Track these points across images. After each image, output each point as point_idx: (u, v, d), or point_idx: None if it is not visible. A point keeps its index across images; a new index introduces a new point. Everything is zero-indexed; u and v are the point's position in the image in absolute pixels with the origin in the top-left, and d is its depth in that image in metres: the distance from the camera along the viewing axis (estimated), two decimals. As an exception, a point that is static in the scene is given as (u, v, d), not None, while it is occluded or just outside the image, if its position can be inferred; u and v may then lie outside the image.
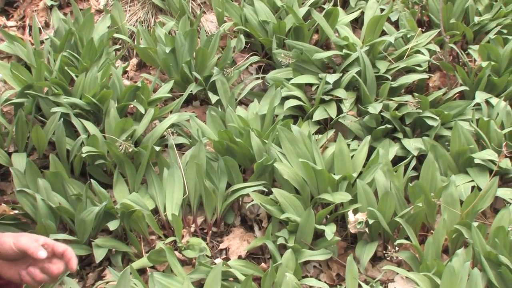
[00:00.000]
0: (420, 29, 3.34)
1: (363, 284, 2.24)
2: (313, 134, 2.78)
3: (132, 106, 2.89)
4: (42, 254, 1.71)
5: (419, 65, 3.12)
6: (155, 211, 2.58)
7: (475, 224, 2.36)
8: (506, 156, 2.67)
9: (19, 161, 2.58)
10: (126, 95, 2.85)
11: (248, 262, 2.41)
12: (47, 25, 3.42)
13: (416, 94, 3.01)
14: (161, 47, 3.13)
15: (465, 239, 2.40)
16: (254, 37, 3.32)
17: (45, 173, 2.55)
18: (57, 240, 2.42)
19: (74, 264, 1.73)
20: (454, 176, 2.57)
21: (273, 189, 2.51)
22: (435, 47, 3.25)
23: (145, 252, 2.48)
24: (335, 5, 3.49)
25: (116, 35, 3.33)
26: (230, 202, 2.59)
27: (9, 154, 2.65)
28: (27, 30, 3.40)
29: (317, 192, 2.55)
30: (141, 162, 2.62)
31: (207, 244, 2.51)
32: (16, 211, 2.50)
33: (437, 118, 2.85)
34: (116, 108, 2.76)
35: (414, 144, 2.79)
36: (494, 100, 2.97)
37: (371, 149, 2.74)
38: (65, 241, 2.43)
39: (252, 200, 2.55)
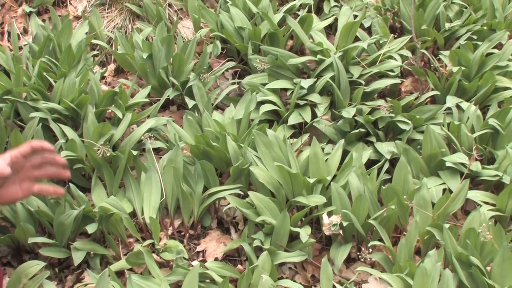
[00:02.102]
0: (392, 35, 3.36)
1: (337, 285, 2.24)
2: (288, 138, 2.78)
3: (110, 111, 2.88)
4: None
5: (392, 71, 3.13)
6: (133, 214, 2.58)
7: (447, 225, 2.37)
8: (476, 159, 2.69)
9: (-2, 165, 2.57)
10: (104, 100, 2.84)
11: (225, 264, 2.41)
12: (25, 31, 3.41)
13: (388, 99, 3.03)
14: (138, 53, 3.13)
15: (436, 241, 2.42)
16: (230, 43, 3.32)
17: (24, 177, 2.54)
18: (35, 243, 2.43)
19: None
20: (426, 179, 2.59)
21: (249, 192, 2.51)
22: (407, 53, 3.26)
23: (123, 255, 2.47)
24: (309, 11, 3.50)
25: (94, 41, 3.32)
26: (206, 205, 2.59)
27: (-12, 158, 2.63)
28: (5, 36, 3.37)
29: (292, 195, 2.56)
30: (119, 166, 2.62)
31: (184, 246, 2.51)
32: (-5, 215, 2.49)
33: (409, 122, 2.87)
34: (94, 113, 2.75)
35: (387, 148, 2.80)
36: (464, 105, 2.99)
37: (345, 153, 2.76)
38: (44, 244, 2.43)
39: (229, 203, 2.56)
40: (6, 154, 1.91)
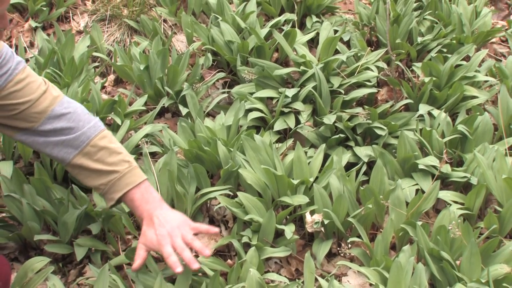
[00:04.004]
0: (369, 48, 3.37)
1: (319, 278, 2.24)
2: (274, 143, 2.78)
3: (109, 118, 2.87)
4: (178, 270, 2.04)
5: (369, 81, 3.14)
6: (131, 213, 2.57)
7: (419, 223, 2.37)
8: (446, 162, 2.70)
9: (6, 169, 2.55)
10: (104, 108, 2.83)
11: (216, 259, 2.41)
12: (32, 44, 3.39)
13: (366, 107, 3.03)
14: (136, 64, 3.12)
15: (410, 237, 2.42)
16: (221, 56, 3.32)
17: (30, 179, 2.52)
18: (41, 240, 2.42)
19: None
20: (400, 180, 2.59)
21: (238, 193, 2.51)
22: (383, 64, 3.27)
23: (122, 250, 2.46)
24: (293, 26, 3.50)
25: (95, 54, 3.31)
26: (199, 204, 2.58)
27: (-3, 162, 2.63)
28: (13, 49, 3.36)
29: (278, 195, 2.56)
30: (118, 169, 2.61)
31: (178, 243, 2.50)
32: (4, 214, 2.47)
33: (385, 128, 2.87)
34: (95, 120, 2.74)
35: (364, 152, 2.80)
36: (435, 112, 3.00)
37: (326, 156, 2.76)
38: (48, 241, 2.42)
39: (219, 203, 2.55)
40: (156, 245, 2.12)
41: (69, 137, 2.09)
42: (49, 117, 2.07)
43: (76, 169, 2.15)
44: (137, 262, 2.09)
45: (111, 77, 3.32)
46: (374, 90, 3.11)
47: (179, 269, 2.02)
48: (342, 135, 2.86)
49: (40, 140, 2.10)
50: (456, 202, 2.61)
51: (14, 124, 2.06)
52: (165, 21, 3.61)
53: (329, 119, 2.86)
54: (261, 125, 2.97)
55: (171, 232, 2.11)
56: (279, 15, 3.62)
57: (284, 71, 3.09)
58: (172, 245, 2.08)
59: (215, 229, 2.21)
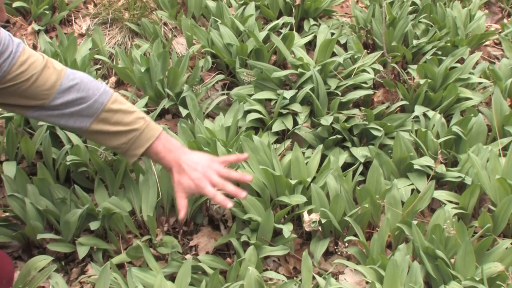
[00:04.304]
0: (365, 51, 3.37)
1: (316, 276, 2.24)
2: (272, 144, 2.78)
3: (111, 119, 2.87)
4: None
5: (365, 83, 3.14)
6: (132, 213, 2.57)
7: (415, 222, 2.38)
8: (441, 162, 2.70)
9: (10, 169, 2.56)
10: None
11: (215, 257, 2.41)
12: (35, 47, 3.39)
13: (362, 108, 3.03)
14: (137, 67, 3.12)
15: (406, 236, 2.42)
16: (220, 58, 3.32)
17: (33, 179, 2.52)
18: (44, 239, 2.42)
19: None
20: (396, 180, 2.59)
21: (237, 193, 2.52)
22: (379, 67, 3.27)
23: (124, 249, 2.46)
24: (291, 29, 3.50)
25: (97, 56, 3.30)
26: (198, 204, 2.58)
27: (1, 162, 2.62)
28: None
29: (276, 195, 2.56)
30: (119, 169, 2.61)
31: (178, 241, 2.50)
32: (7, 214, 2.47)
33: (381, 129, 2.87)
34: (97, 121, 2.74)
35: (361, 152, 2.80)
36: (430, 113, 3.00)
37: (323, 157, 2.76)
38: (51, 239, 2.42)
39: (219, 203, 2.56)
40: (193, 187, 2.19)
41: (82, 107, 2.12)
42: (59, 92, 2.09)
43: (94, 134, 2.20)
44: (182, 212, 2.16)
45: (113, 79, 3.31)
46: (370, 92, 3.11)
47: (230, 204, 2.13)
48: (339, 136, 2.86)
49: (54, 113, 2.12)
50: (450, 202, 2.61)
51: (25, 103, 2.08)
52: (165, 24, 3.61)
53: (326, 120, 2.86)
54: (259, 126, 2.97)
55: (205, 172, 2.18)
56: (277, 19, 3.62)
57: (282, 73, 3.09)
58: (211, 183, 2.16)
59: (244, 155, 2.37)
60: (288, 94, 2.99)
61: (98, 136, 2.21)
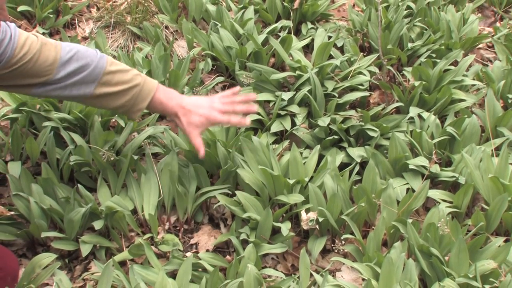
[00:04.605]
0: (362, 53, 3.37)
1: (314, 274, 2.24)
2: (270, 144, 2.78)
3: (114, 120, 2.87)
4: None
5: (361, 84, 3.13)
6: (134, 211, 2.57)
7: (410, 220, 2.38)
8: (435, 162, 2.70)
9: (15, 169, 2.56)
10: (109, 111, 2.83)
11: (215, 255, 2.41)
12: (39, 50, 3.39)
13: (359, 109, 3.03)
14: (139, 69, 3.11)
15: (401, 234, 2.42)
16: (220, 60, 3.32)
17: (37, 179, 2.53)
18: (48, 237, 2.42)
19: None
20: (391, 179, 2.59)
21: (237, 192, 2.52)
22: (374, 69, 3.27)
23: (126, 247, 2.46)
24: (289, 33, 3.50)
25: (99, 59, 3.30)
26: (199, 203, 2.58)
27: (6, 162, 2.62)
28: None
29: (274, 194, 2.56)
30: (121, 169, 2.61)
31: (179, 239, 2.50)
32: (12, 212, 2.47)
33: (377, 130, 2.88)
34: (100, 122, 2.74)
35: (357, 152, 2.80)
36: (425, 114, 3.00)
37: (321, 157, 2.76)
38: (55, 238, 2.42)
39: (218, 201, 2.55)
40: (203, 120, 2.34)
41: (84, 74, 2.15)
42: (60, 65, 2.11)
43: (99, 99, 2.23)
44: (201, 149, 2.31)
45: (115, 81, 3.31)
46: (366, 93, 3.11)
47: (247, 120, 2.38)
48: (336, 137, 2.86)
49: (58, 86, 2.14)
50: (444, 201, 2.62)
51: (30, 82, 2.10)
52: (166, 27, 3.60)
53: (324, 121, 2.86)
54: (258, 127, 2.97)
55: (211, 105, 2.33)
56: (276, 22, 3.62)
57: (280, 75, 3.09)
58: (221, 112, 2.32)
59: (237, 88, 2.48)
60: (286, 95, 3.00)
61: (103, 100, 2.23)
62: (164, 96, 2.31)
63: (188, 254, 2.46)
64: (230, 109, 2.36)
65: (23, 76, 2.06)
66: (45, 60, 2.08)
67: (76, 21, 3.61)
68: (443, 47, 3.44)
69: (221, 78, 3.25)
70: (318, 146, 2.76)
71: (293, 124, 2.95)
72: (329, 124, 2.88)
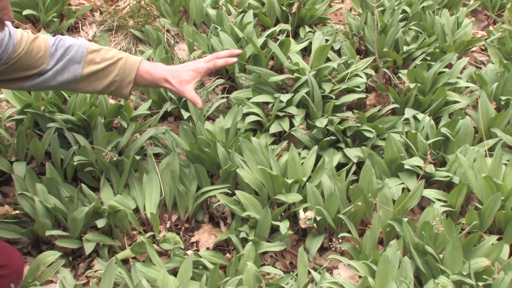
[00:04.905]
0: (358, 56, 3.36)
1: (312, 271, 2.24)
2: (269, 145, 2.78)
3: (116, 121, 2.87)
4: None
5: (358, 87, 3.13)
6: (136, 210, 2.57)
7: (405, 219, 2.38)
8: (430, 163, 2.70)
9: (20, 169, 2.56)
10: (111, 112, 2.83)
11: (216, 253, 2.41)
12: (44, 52, 3.39)
13: (355, 111, 3.03)
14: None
15: (397, 232, 2.43)
16: (220, 63, 3.32)
17: (42, 179, 2.53)
18: (52, 236, 2.42)
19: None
20: (387, 179, 2.60)
21: (236, 191, 2.52)
22: (371, 72, 3.27)
23: (128, 245, 2.46)
24: (287, 36, 3.50)
25: (102, 61, 3.30)
26: (199, 202, 2.58)
27: (11, 162, 2.62)
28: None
29: (273, 193, 2.56)
30: (124, 169, 2.61)
31: (180, 238, 2.50)
32: (17, 211, 2.47)
33: (373, 131, 2.88)
34: (102, 123, 2.74)
35: (354, 153, 2.80)
36: (420, 116, 3.00)
37: (318, 157, 2.76)
38: (59, 236, 2.42)
39: (219, 201, 2.56)
40: (195, 75, 2.38)
41: (71, 55, 2.22)
42: (50, 54, 2.20)
43: (89, 80, 2.28)
44: (199, 100, 2.36)
45: (118, 83, 3.31)
46: (363, 95, 3.11)
47: (234, 59, 2.43)
48: (333, 138, 2.86)
49: (49, 74, 2.21)
50: (439, 200, 2.62)
51: (26, 74, 2.16)
52: (168, 31, 3.60)
53: (321, 122, 2.86)
54: (257, 128, 2.97)
55: (195, 61, 2.42)
56: (275, 26, 3.62)
57: (279, 77, 3.09)
58: (206, 61, 2.40)
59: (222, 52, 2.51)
60: (285, 97, 2.99)
61: (93, 80, 2.28)
62: (150, 66, 2.35)
63: (189, 252, 2.45)
64: (214, 56, 2.42)
65: (20, 69, 2.12)
66: (38, 52, 2.15)
67: (80, 25, 3.61)
68: (437, 50, 3.44)
69: (221, 81, 3.25)
70: (316, 147, 2.76)
71: (292, 125, 2.95)
72: (326, 125, 2.88)
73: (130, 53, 3.44)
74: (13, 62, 2.09)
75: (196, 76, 2.35)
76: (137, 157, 2.65)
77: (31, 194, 2.45)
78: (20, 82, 2.18)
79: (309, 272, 2.28)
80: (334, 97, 3.07)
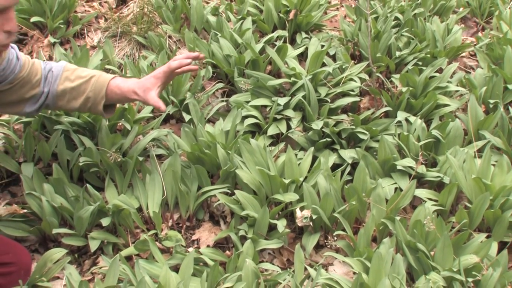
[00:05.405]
0: (353, 61, 3.37)
1: (308, 267, 2.25)
2: (267, 146, 2.78)
3: (120, 124, 2.87)
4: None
5: (352, 90, 3.13)
6: (139, 209, 2.57)
7: (398, 218, 2.38)
8: (422, 163, 2.70)
9: (28, 169, 2.56)
10: (116, 115, 2.82)
11: (216, 250, 2.41)
12: (50, 58, 3.38)
13: (350, 114, 3.03)
14: (143, 76, 3.11)
15: (390, 230, 2.42)
16: (220, 68, 3.31)
17: (49, 179, 2.53)
18: (59, 233, 2.42)
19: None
20: (380, 179, 2.60)
21: (236, 191, 2.51)
22: (365, 76, 3.27)
23: (132, 243, 2.46)
24: (284, 42, 3.50)
25: (107, 67, 3.30)
26: (200, 201, 2.58)
27: (19, 163, 2.62)
28: (34, 62, 3.36)
29: (271, 193, 2.56)
30: (128, 169, 2.61)
31: (182, 236, 2.50)
32: (25, 210, 2.47)
33: (367, 133, 2.87)
34: (107, 126, 2.74)
35: (348, 154, 2.80)
36: (412, 118, 3.00)
37: (314, 158, 2.76)
38: (65, 234, 2.41)
39: (218, 200, 2.56)
40: (156, 81, 2.34)
41: (52, 73, 2.26)
42: (44, 76, 2.25)
43: (66, 98, 2.30)
44: (161, 105, 2.31)
45: (122, 87, 3.31)
46: (357, 99, 3.11)
47: (187, 60, 2.37)
48: (328, 139, 2.85)
49: (43, 95, 2.25)
50: (430, 199, 2.62)
51: (25, 96, 2.20)
52: (170, 37, 3.60)
53: (317, 124, 2.86)
54: (256, 130, 2.97)
55: (160, 67, 2.38)
56: (272, 32, 3.62)
57: (276, 82, 3.09)
58: (169, 64, 2.36)
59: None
60: (282, 101, 2.99)
61: (68, 98, 2.29)
62: (121, 81, 2.34)
63: (190, 249, 2.45)
64: (180, 57, 2.39)
65: (22, 90, 2.17)
66: (36, 74, 2.19)
67: (85, 31, 3.61)
68: (428, 55, 3.44)
69: (221, 85, 3.25)
70: (312, 148, 2.76)
71: (289, 127, 2.95)
72: (322, 127, 2.88)
73: (133, 58, 3.44)
74: (17, 83, 2.13)
75: (156, 82, 2.33)
76: (140, 158, 2.65)
77: (39, 194, 2.45)
78: (19, 106, 2.22)
79: (305, 269, 2.28)
80: (329, 100, 3.06)
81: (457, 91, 3.28)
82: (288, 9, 3.68)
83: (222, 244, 2.56)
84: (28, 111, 2.23)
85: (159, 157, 2.81)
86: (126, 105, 2.87)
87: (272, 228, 2.50)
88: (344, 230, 2.44)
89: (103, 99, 2.30)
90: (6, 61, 2.04)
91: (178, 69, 2.36)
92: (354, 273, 2.32)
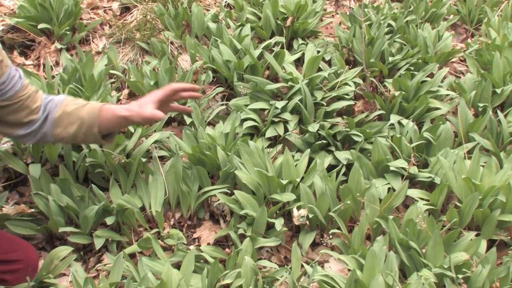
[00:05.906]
0: (347, 66, 3.36)
1: (304, 264, 2.24)
2: (265, 148, 2.78)
3: (124, 126, 2.87)
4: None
5: (347, 94, 3.13)
6: (143, 209, 2.56)
7: (391, 217, 2.38)
8: (414, 164, 2.70)
9: (35, 170, 2.55)
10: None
11: (216, 248, 2.41)
12: (57, 63, 3.38)
13: (345, 117, 3.03)
14: (147, 80, 3.11)
15: (383, 229, 2.42)
16: (220, 73, 3.31)
17: (55, 179, 2.53)
18: (65, 232, 2.41)
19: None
20: (374, 180, 2.60)
21: (235, 191, 2.51)
22: (359, 80, 3.27)
23: (135, 241, 2.46)
24: (282, 48, 3.50)
25: (111, 71, 3.29)
26: (201, 201, 2.58)
27: (27, 164, 2.62)
28: (41, 67, 3.35)
29: (269, 193, 2.56)
30: (131, 170, 2.60)
31: (183, 234, 2.50)
32: (33, 210, 2.47)
33: (361, 135, 2.87)
34: (111, 128, 2.74)
35: (343, 155, 2.80)
36: (404, 121, 3.00)
37: (311, 159, 2.76)
38: (71, 232, 2.41)
39: (218, 200, 2.55)
40: (152, 97, 2.26)
41: (51, 107, 2.16)
42: (44, 104, 2.14)
43: (61, 123, 2.18)
44: (157, 113, 2.20)
45: (126, 91, 3.31)
46: (351, 102, 3.10)
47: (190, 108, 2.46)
48: (324, 141, 2.85)
49: (38, 123, 2.13)
50: (422, 199, 2.62)
51: (22, 120, 2.10)
52: (172, 43, 3.60)
53: (313, 127, 2.86)
54: (254, 132, 2.97)
55: (154, 91, 2.32)
56: (270, 38, 3.62)
57: (274, 86, 3.09)
58: (171, 84, 2.33)
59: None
60: (280, 104, 2.99)
61: (64, 122, 2.17)
62: (114, 106, 2.24)
63: (191, 247, 2.45)
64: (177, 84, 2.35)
65: (20, 112, 2.07)
66: (36, 101, 2.11)
67: (91, 37, 3.60)
68: (420, 60, 3.44)
69: (220, 89, 3.25)
70: (308, 150, 2.76)
71: (286, 130, 2.95)
72: (318, 130, 2.88)
73: (137, 63, 3.44)
74: (16, 102, 2.04)
75: (153, 99, 2.25)
76: (143, 160, 2.65)
77: (46, 194, 2.45)
78: (14, 128, 2.10)
79: (302, 266, 2.27)
80: (325, 104, 3.06)
81: (447, 95, 3.29)
82: (286, 16, 3.69)
83: (222, 242, 2.56)
84: (20, 134, 2.10)
85: (162, 158, 2.81)
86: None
87: (270, 226, 2.49)
88: (339, 228, 2.44)
89: (96, 120, 2.17)
90: (7, 75, 1.99)
91: (180, 90, 2.33)
92: (349, 270, 2.32)
